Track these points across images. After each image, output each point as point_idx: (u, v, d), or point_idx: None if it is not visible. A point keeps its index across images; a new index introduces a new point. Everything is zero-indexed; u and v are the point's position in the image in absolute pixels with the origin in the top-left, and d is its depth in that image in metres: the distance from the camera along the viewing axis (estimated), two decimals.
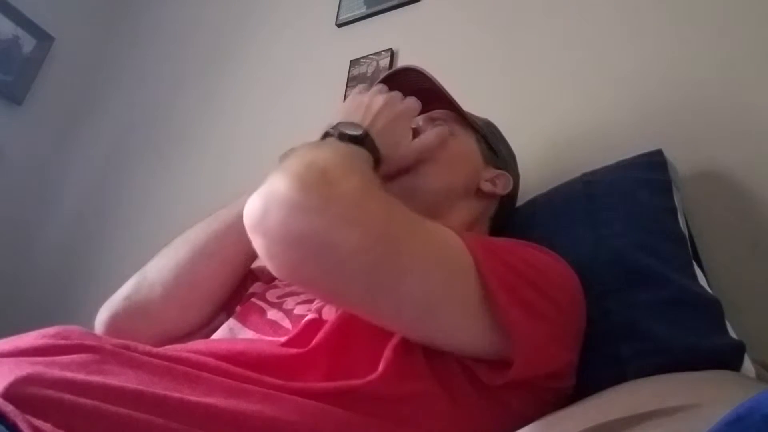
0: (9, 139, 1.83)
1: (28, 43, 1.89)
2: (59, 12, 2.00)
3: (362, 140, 0.61)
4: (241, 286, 0.77)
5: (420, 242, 0.52)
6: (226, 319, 0.71)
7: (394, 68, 0.85)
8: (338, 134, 0.61)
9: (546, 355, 0.55)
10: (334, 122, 0.64)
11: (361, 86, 0.74)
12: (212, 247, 0.73)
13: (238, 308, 0.72)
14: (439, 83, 0.79)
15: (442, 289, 0.52)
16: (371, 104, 0.68)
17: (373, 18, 1.44)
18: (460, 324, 0.53)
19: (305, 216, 0.47)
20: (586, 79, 1.04)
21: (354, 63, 1.38)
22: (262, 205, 0.48)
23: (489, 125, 0.86)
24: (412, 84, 0.80)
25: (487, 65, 1.19)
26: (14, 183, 1.82)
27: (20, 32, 1.87)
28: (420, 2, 1.37)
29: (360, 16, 1.45)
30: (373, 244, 0.48)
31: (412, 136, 0.73)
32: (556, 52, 1.10)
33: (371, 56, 1.35)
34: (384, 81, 0.81)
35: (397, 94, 0.70)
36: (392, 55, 1.33)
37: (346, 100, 0.71)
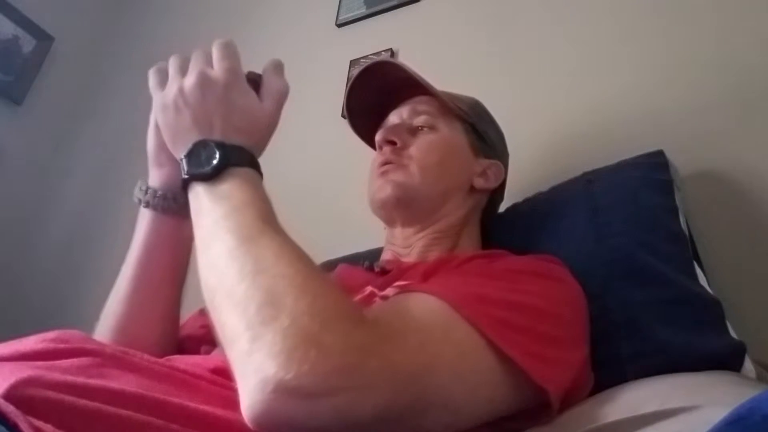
0: (9, 139, 1.82)
1: (28, 43, 1.89)
2: (59, 12, 1.99)
3: (225, 165, 0.52)
4: None
5: (440, 370, 0.46)
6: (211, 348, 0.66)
7: (366, 64, 0.81)
8: (199, 178, 0.52)
9: (572, 393, 0.54)
10: (182, 165, 0.54)
11: (151, 80, 0.60)
12: (137, 287, 0.68)
13: None
14: (418, 74, 0.77)
15: (464, 396, 0.47)
16: (187, 102, 0.56)
17: (373, 18, 1.44)
18: (488, 410, 0.50)
19: (317, 402, 0.39)
20: (587, 78, 1.04)
21: (354, 63, 1.38)
22: (264, 403, 0.39)
23: (474, 107, 0.84)
24: (394, 75, 0.79)
25: (487, 65, 1.19)
26: (14, 183, 1.82)
27: (20, 32, 1.87)
28: (420, 2, 1.37)
29: (360, 16, 1.45)
30: (391, 399, 0.42)
31: (254, 93, 0.62)
32: (556, 52, 1.10)
33: (371, 56, 1.35)
34: (361, 75, 0.80)
35: (195, 61, 0.58)
36: (392, 55, 1.33)
37: (158, 116, 0.60)
